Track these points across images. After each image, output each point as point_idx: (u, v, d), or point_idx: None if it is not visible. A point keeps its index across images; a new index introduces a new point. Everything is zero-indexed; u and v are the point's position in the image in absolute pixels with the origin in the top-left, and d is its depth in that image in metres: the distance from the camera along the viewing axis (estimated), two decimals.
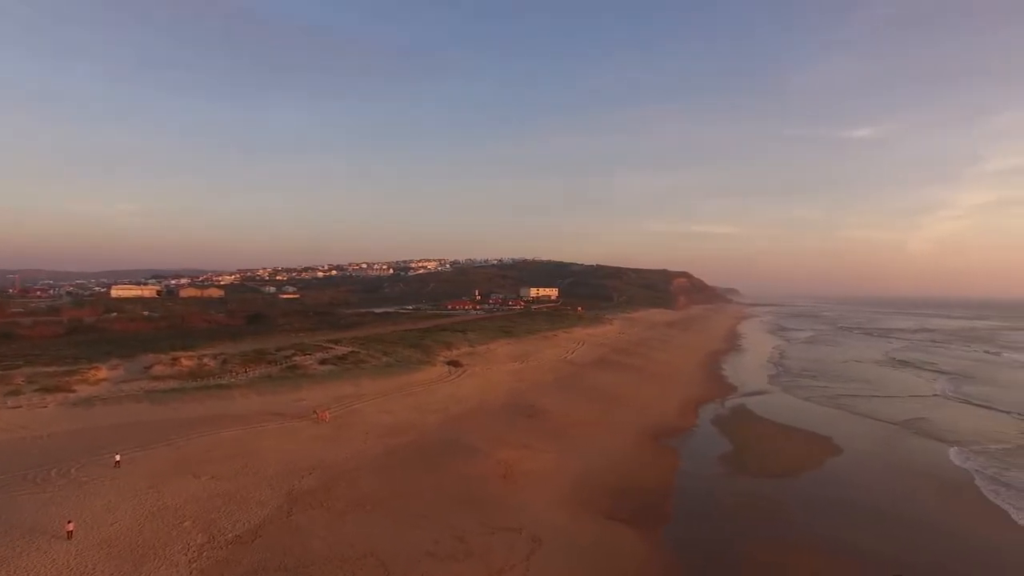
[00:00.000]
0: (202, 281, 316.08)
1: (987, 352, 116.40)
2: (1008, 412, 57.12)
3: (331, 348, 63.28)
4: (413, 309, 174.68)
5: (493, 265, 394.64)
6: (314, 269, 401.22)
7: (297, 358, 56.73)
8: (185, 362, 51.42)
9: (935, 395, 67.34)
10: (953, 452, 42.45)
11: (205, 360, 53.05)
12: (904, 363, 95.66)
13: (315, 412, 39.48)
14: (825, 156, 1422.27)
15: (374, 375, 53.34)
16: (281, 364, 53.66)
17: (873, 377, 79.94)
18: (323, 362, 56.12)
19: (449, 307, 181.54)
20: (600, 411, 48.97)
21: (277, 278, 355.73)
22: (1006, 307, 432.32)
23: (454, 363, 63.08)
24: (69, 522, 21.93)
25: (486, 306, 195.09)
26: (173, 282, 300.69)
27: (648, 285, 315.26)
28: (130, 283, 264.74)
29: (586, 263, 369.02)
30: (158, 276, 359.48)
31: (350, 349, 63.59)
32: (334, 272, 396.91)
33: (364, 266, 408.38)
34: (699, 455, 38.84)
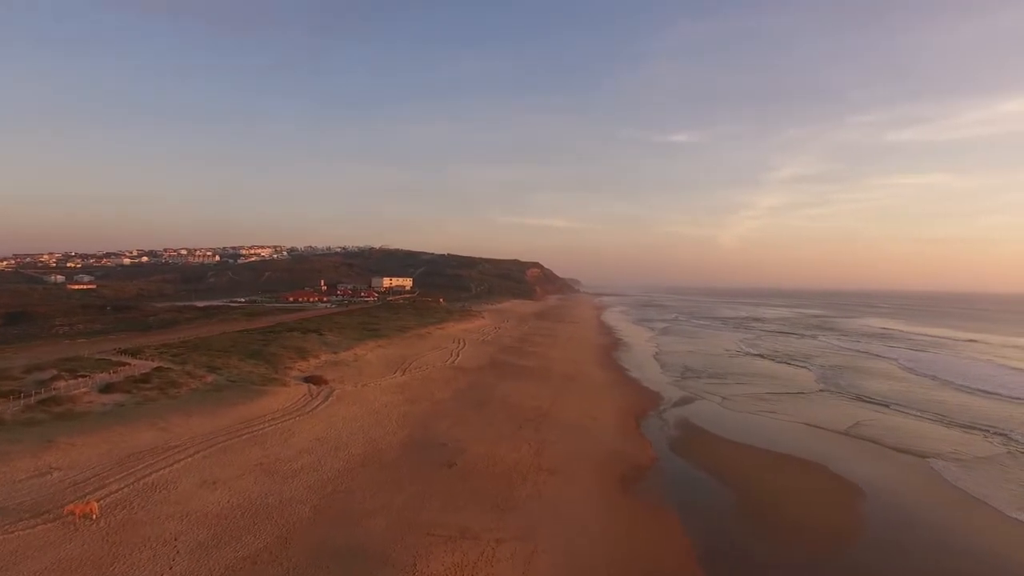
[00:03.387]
0: None
1: (839, 342, 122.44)
2: (906, 410, 53.80)
3: (124, 364, 42.91)
4: (247, 302, 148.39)
5: (337, 253, 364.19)
6: (119, 255, 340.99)
7: (62, 384, 36.21)
8: None
9: (824, 390, 64.57)
10: (945, 471, 35.91)
11: None
12: (775, 355, 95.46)
13: (71, 503, 21.31)
14: (650, 157, 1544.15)
15: (193, 408, 34.98)
16: (28, 397, 33.04)
17: (762, 372, 76.64)
18: (107, 389, 36.27)
19: (291, 299, 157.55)
20: (532, 443, 35.86)
21: (68, 265, 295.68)
22: (812, 296, 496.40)
23: (315, 379, 46.03)
24: None
25: (335, 298, 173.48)
26: None
27: (503, 275, 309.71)
28: None
29: (437, 252, 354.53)
30: None
31: (156, 364, 43.71)
32: (145, 258, 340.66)
33: (184, 252, 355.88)
34: (700, 514, 27.24)
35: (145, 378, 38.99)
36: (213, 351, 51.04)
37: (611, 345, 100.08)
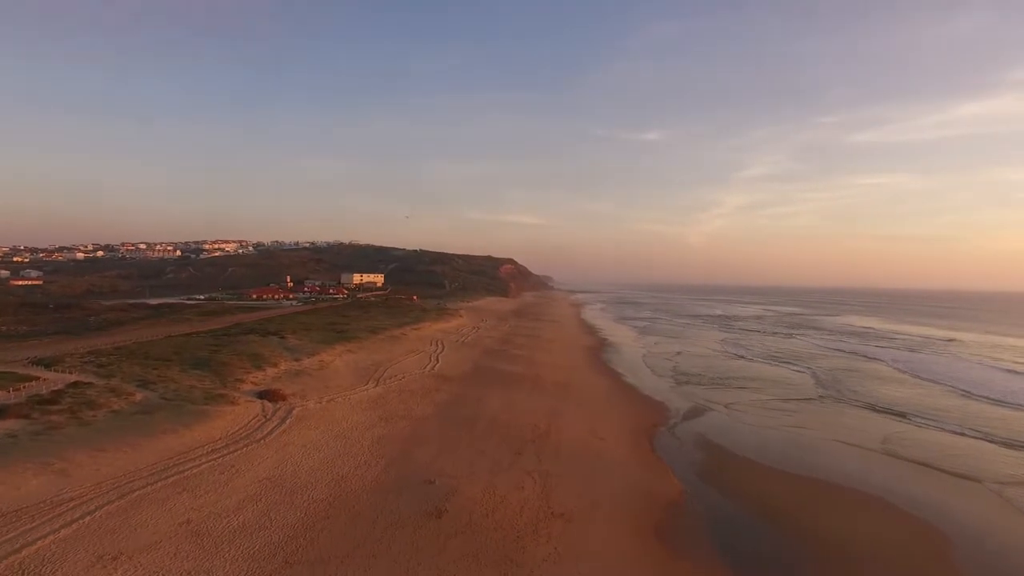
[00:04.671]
0: None
1: (823, 341, 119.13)
2: (933, 423, 49.27)
3: (33, 379, 35.09)
4: (206, 299, 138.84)
5: (305, 248, 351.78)
6: (73, 249, 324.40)
7: None
8: None
9: (826, 396, 60.04)
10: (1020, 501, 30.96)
11: None
12: (765, 355, 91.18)
13: None
14: (621, 155, 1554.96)
15: (108, 439, 27.53)
16: None
17: (759, 375, 71.80)
18: None
19: (255, 296, 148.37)
20: (535, 475, 29.48)
21: (14, 259, 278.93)
22: (782, 293, 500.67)
23: (271, 394, 38.77)
24: None
25: (302, 295, 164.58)
26: None
27: (477, 271, 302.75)
28: None
29: (408, 248, 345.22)
30: None
31: (74, 379, 36.02)
32: (100, 253, 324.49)
33: (143, 246, 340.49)
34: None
35: (55, 397, 31.41)
36: (150, 360, 43.35)
37: (598, 346, 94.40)
